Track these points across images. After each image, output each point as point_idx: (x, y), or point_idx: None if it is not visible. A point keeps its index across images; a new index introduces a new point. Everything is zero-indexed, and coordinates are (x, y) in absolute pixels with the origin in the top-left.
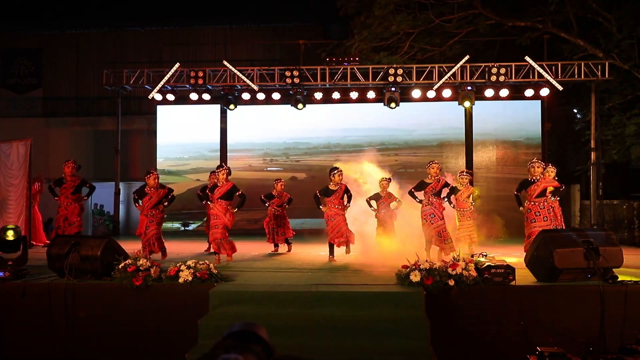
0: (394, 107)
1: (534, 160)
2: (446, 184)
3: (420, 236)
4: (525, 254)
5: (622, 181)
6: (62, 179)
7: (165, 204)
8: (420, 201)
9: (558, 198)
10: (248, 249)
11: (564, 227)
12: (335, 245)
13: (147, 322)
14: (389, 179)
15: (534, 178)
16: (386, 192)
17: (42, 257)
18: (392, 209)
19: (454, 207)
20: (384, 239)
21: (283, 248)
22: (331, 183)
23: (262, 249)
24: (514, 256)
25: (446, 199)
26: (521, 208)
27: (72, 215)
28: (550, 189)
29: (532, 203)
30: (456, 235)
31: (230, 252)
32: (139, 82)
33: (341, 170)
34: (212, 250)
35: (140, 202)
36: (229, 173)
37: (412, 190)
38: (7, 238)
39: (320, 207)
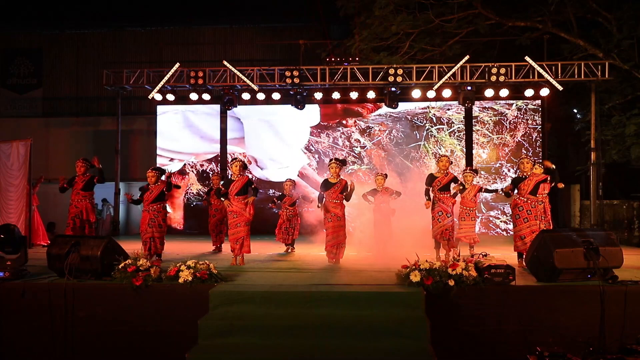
0: (394, 107)
1: (523, 156)
2: (454, 179)
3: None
4: (515, 254)
5: (622, 181)
6: (74, 178)
7: (166, 192)
8: (430, 198)
9: (552, 184)
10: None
11: (551, 226)
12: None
13: (147, 322)
14: (385, 174)
15: (524, 174)
16: (383, 187)
17: (42, 257)
18: (392, 197)
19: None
20: (382, 235)
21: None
22: (330, 176)
23: (263, 249)
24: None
25: (458, 194)
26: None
27: (88, 213)
28: (542, 183)
29: (525, 200)
30: (456, 235)
31: (247, 250)
32: (139, 82)
33: (337, 162)
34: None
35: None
36: (244, 167)
37: (426, 188)
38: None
39: (319, 205)
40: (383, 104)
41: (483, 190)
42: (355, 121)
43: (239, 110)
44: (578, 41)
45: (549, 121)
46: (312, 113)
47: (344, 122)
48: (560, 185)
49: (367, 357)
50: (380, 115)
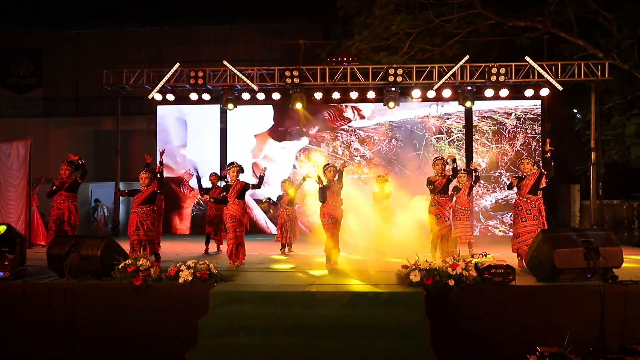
0: (393, 107)
1: (524, 157)
2: (449, 180)
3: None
4: (513, 253)
5: (622, 181)
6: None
7: (158, 190)
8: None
9: (547, 176)
10: (248, 249)
11: (546, 226)
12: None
13: (147, 322)
14: (386, 174)
15: (524, 174)
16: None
17: (42, 257)
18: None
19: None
20: (383, 236)
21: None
22: (325, 181)
23: (263, 249)
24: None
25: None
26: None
27: (71, 215)
28: (540, 179)
29: (525, 200)
30: (452, 235)
31: (243, 256)
32: (139, 82)
33: (334, 166)
34: (214, 251)
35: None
36: (241, 171)
37: (430, 189)
38: None
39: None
40: (365, 105)
41: (474, 179)
42: (355, 130)
43: (185, 110)
44: (578, 41)
45: (549, 121)
46: (262, 115)
47: (304, 129)
48: (548, 148)
49: (367, 357)
50: (379, 124)
